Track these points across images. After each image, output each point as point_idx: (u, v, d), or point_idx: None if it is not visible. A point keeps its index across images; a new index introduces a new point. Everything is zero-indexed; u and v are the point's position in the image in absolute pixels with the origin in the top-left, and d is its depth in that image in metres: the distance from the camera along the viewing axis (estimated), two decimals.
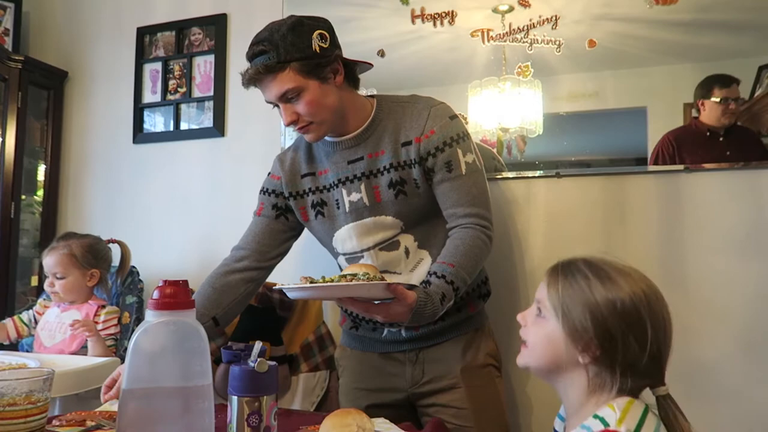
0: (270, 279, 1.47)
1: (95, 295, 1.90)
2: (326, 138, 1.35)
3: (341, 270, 1.45)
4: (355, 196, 1.34)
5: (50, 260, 1.83)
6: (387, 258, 1.35)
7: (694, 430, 0.87)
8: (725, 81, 1.55)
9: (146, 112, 2.26)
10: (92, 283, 1.87)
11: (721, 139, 1.55)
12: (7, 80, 2.17)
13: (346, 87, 1.32)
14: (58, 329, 1.80)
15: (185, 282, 0.92)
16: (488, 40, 1.75)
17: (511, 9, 1.73)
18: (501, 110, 1.73)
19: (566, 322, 0.88)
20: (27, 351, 1.84)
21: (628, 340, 0.85)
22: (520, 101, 1.72)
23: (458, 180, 1.28)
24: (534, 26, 1.71)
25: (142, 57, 2.26)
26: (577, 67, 1.67)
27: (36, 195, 2.36)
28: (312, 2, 1.90)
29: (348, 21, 1.88)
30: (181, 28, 2.21)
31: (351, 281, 1.05)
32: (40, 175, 2.36)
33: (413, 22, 1.83)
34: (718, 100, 1.56)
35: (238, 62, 2.07)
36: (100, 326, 1.80)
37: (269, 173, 1.48)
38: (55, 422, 1.13)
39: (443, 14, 1.80)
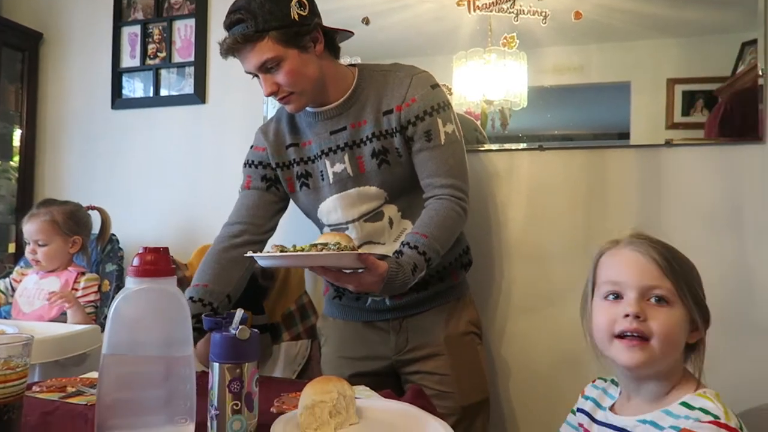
0: None
1: (75, 263, 1.89)
2: (308, 108, 1.34)
3: None
4: (338, 167, 1.33)
5: (31, 227, 1.80)
6: (371, 229, 1.35)
7: None
8: None
9: (125, 77, 2.20)
10: (74, 250, 1.85)
11: None
12: None
13: (327, 56, 1.30)
14: (37, 296, 1.79)
15: (166, 249, 0.92)
16: (474, 10, 1.73)
17: None
18: (486, 82, 1.72)
19: (692, 303, 0.87)
20: (5, 318, 1.82)
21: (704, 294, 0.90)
22: (505, 73, 1.71)
23: (436, 150, 1.28)
24: None
25: (120, 20, 2.20)
26: (562, 40, 1.66)
27: (12, 161, 2.31)
28: None
29: None
30: None
31: (322, 250, 1.04)
32: (16, 140, 2.31)
33: None
34: None
35: (219, 27, 1.98)
36: (79, 293, 1.79)
37: (252, 146, 1.46)
38: (35, 388, 1.13)
39: None
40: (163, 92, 2.14)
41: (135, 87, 2.19)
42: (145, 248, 0.90)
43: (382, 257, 1.13)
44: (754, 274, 1.51)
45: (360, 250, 1.34)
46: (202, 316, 0.94)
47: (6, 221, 2.28)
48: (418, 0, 1.78)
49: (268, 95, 1.26)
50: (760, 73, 1.49)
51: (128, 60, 2.19)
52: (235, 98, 2.02)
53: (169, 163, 2.12)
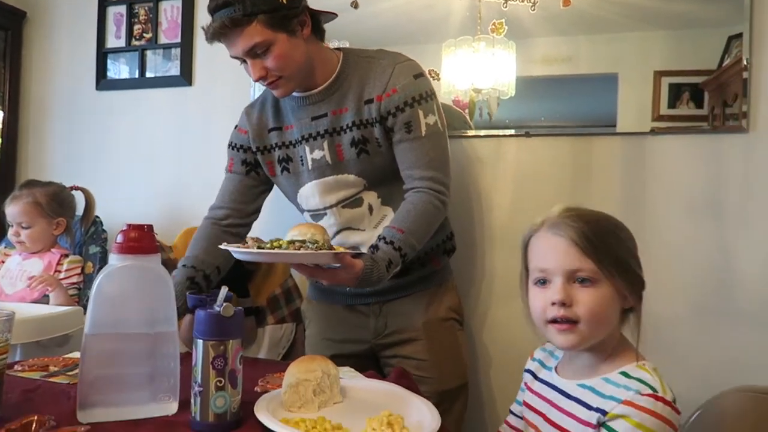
0: None
1: (59, 244, 1.87)
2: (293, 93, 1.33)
3: None
4: (317, 154, 1.32)
5: (14, 209, 1.78)
6: (350, 215, 1.35)
7: None
8: None
9: (110, 58, 2.17)
10: (58, 231, 1.84)
11: None
12: None
13: (313, 39, 1.29)
14: (20, 277, 1.77)
15: (150, 227, 0.91)
16: None
17: None
18: (474, 71, 1.73)
19: (622, 276, 0.89)
20: None
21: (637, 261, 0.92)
22: (493, 62, 1.71)
23: (417, 141, 1.26)
24: None
25: None
26: (551, 30, 1.67)
27: None
28: None
29: None
30: None
31: (299, 248, 1.03)
32: None
33: None
34: None
35: (206, 9, 1.99)
36: (62, 275, 1.77)
37: (236, 126, 1.45)
38: (17, 367, 1.13)
39: None
40: (149, 74, 2.12)
41: (120, 68, 2.16)
42: (129, 225, 0.90)
43: (358, 255, 1.13)
44: (733, 261, 1.53)
45: (337, 242, 1.36)
46: (187, 293, 0.93)
47: None
48: None
49: (257, 80, 1.24)
50: (745, 66, 1.51)
51: (113, 40, 2.16)
52: (221, 81, 2.00)
53: (155, 145, 2.10)
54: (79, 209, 1.93)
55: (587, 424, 0.86)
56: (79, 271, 1.81)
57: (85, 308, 1.62)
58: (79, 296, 1.78)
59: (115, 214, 1.98)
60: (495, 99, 1.72)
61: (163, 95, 2.09)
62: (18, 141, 2.28)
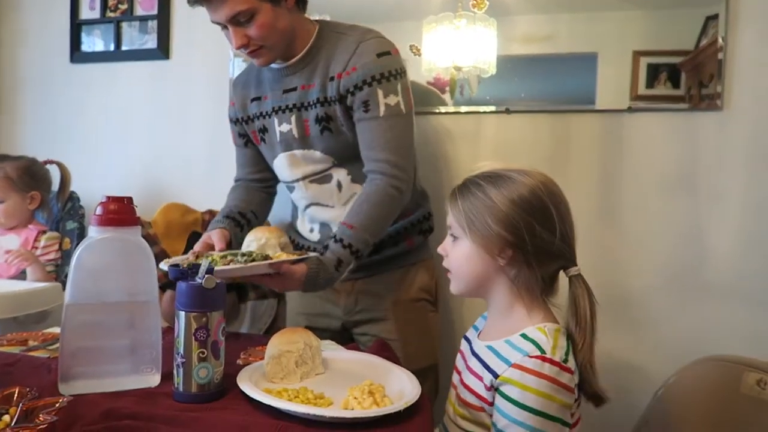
0: None
1: (36, 220, 1.84)
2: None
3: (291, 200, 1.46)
4: (285, 127, 1.33)
5: None
6: (317, 190, 1.35)
7: (599, 307, 0.94)
8: None
9: (84, 31, 2.11)
10: (33, 206, 1.81)
11: None
12: None
13: (296, 10, 1.28)
14: None
15: (130, 199, 0.91)
16: None
17: None
18: (455, 48, 1.72)
19: (475, 234, 0.92)
20: None
21: (535, 229, 0.90)
22: (474, 40, 1.70)
23: (374, 121, 1.23)
24: None
25: None
26: (532, 8, 1.67)
27: None
28: None
29: None
30: None
31: (230, 263, 1.03)
32: None
33: None
34: None
35: None
36: (39, 251, 1.75)
37: (230, 99, 1.47)
38: None
39: None
40: (125, 47, 2.07)
41: (95, 41, 2.11)
42: (108, 197, 0.89)
43: (300, 260, 1.12)
44: (706, 236, 1.57)
45: (308, 216, 1.36)
46: (168, 266, 0.93)
47: None
48: None
49: (238, 48, 1.23)
50: (720, 46, 1.53)
51: (87, 12, 2.09)
52: (199, 54, 1.97)
53: (132, 119, 2.06)
54: (55, 184, 1.90)
55: (486, 387, 0.90)
56: (56, 247, 1.79)
57: (63, 284, 1.61)
58: (57, 272, 1.76)
59: (92, 189, 1.95)
60: (476, 77, 1.72)
61: (139, 69, 2.04)
62: None
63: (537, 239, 0.89)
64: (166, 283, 1.46)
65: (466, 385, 0.96)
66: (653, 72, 1.60)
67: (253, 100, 1.39)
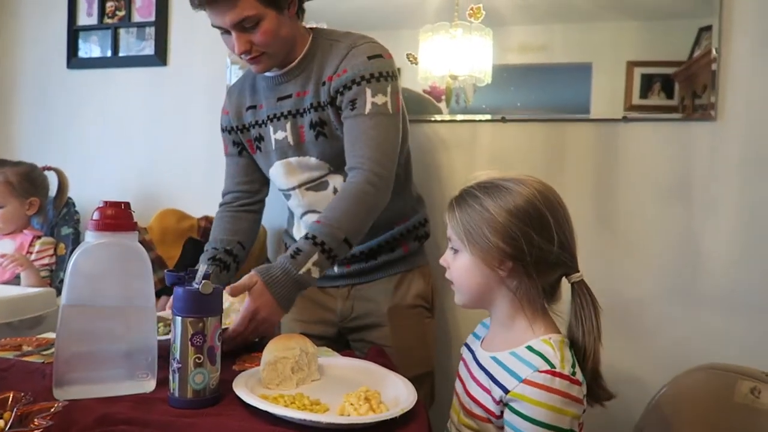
0: None
1: (32, 225, 1.84)
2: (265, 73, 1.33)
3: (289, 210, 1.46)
4: (280, 134, 1.33)
5: None
6: (314, 198, 1.35)
7: (602, 313, 0.94)
8: None
9: (81, 37, 2.12)
10: (32, 211, 1.81)
11: None
12: None
13: (294, 18, 1.29)
14: None
15: (127, 204, 0.91)
16: None
17: None
18: (451, 57, 1.73)
19: (474, 246, 0.92)
20: None
21: (534, 240, 0.89)
22: (470, 49, 1.71)
23: (359, 118, 1.22)
24: None
25: None
26: (527, 19, 1.68)
27: None
28: None
29: None
30: None
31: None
32: None
33: None
34: None
35: None
36: (33, 257, 1.75)
37: (222, 108, 1.46)
38: None
39: None
40: (122, 53, 2.07)
41: (91, 47, 2.11)
42: (105, 202, 0.89)
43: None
44: (700, 245, 1.58)
45: (303, 225, 1.36)
46: (165, 271, 0.93)
47: None
48: None
49: (240, 53, 1.23)
50: (714, 57, 1.55)
51: (85, 18, 2.10)
52: (197, 61, 1.98)
53: (128, 126, 2.06)
54: (52, 190, 1.90)
55: (495, 400, 0.89)
56: (51, 252, 1.78)
57: (57, 290, 1.61)
58: (51, 278, 1.76)
59: (88, 195, 1.95)
60: (471, 86, 1.73)
61: (136, 75, 2.05)
62: None
63: (535, 249, 0.89)
64: (161, 290, 1.46)
65: (471, 396, 0.95)
66: (647, 82, 1.61)
67: (248, 108, 1.39)
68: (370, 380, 0.96)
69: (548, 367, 0.85)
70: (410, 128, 1.42)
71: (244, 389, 0.87)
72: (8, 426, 0.69)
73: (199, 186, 1.96)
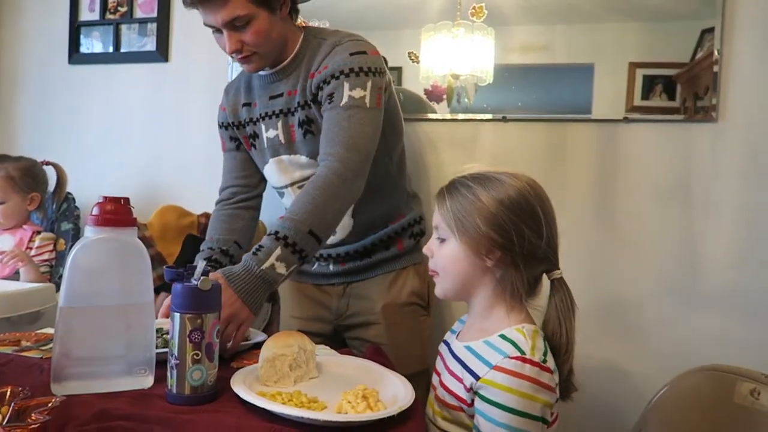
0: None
1: (31, 221, 1.84)
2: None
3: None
4: (271, 133, 1.33)
5: None
6: None
7: (580, 313, 0.94)
8: None
9: (83, 32, 2.11)
10: (32, 207, 1.81)
11: None
12: None
13: (287, 18, 1.29)
14: None
15: (127, 199, 0.91)
16: None
17: None
18: (453, 57, 1.73)
19: (463, 234, 0.92)
20: None
21: (524, 231, 0.90)
22: (472, 48, 1.72)
23: (334, 111, 1.20)
24: None
25: None
26: (530, 19, 1.68)
27: None
28: None
29: None
30: None
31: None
32: None
33: None
34: None
35: None
36: (33, 252, 1.75)
37: (220, 105, 1.47)
38: None
39: None
40: (124, 49, 2.07)
41: (93, 42, 2.11)
42: (105, 197, 0.89)
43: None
44: (700, 246, 1.58)
45: None
46: (164, 267, 0.93)
47: None
48: None
49: (232, 53, 1.23)
50: (715, 59, 1.54)
51: (87, 13, 2.10)
52: (198, 57, 1.97)
53: (130, 121, 2.07)
54: (50, 185, 1.90)
55: (466, 388, 0.90)
56: (51, 248, 1.79)
57: (57, 285, 1.61)
58: (51, 273, 1.76)
59: (88, 191, 1.95)
60: (473, 85, 1.73)
61: (138, 71, 2.05)
62: None
63: (525, 241, 0.90)
64: (161, 286, 1.46)
65: (445, 386, 0.95)
66: (649, 84, 1.61)
67: (243, 105, 1.40)
68: (369, 378, 0.96)
69: (518, 354, 0.85)
70: (411, 127, 1.42)
71: (242, 386, 0.87)
72: (5, 420, 0.69)
73: (200, 182, 1.95)
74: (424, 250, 1.01)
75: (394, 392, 0.91)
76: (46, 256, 1.76)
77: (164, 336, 1.06)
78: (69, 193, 1.90)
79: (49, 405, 0.71)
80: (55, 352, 0.86)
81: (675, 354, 1.55)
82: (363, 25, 1.74)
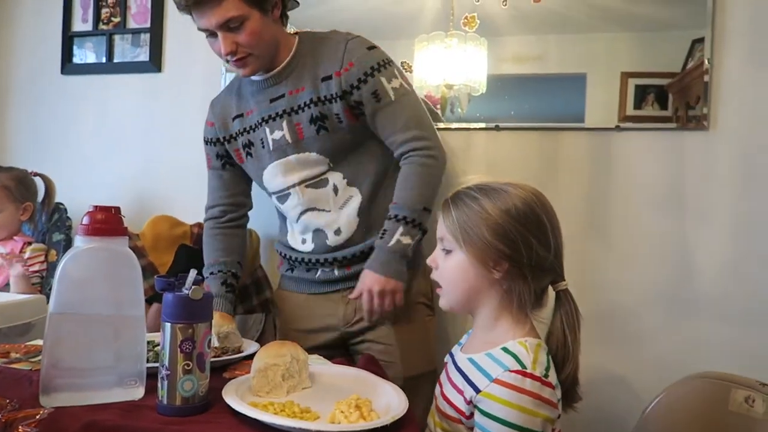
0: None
1: (22, 231, 1.83)
2: (252, 77, 1.35)
3: (281, 212, 1.45)
4: (277, 134, 1.34)
5: None
6: (314, 195, 1.36)
7: (586, 323, 0.94)
8: None
9: (76, 43, 2.11)
10: (25, 216, 1.80)
11: None
12: None
13: (278, 22, 1.32)
14: None
15: (117, 209, 0.90)
16: None
17: None
18: (446, 67, 1.74)
19: (470, 246, 0.91)
20: None
21: (531, 242, 0.89)
22: (465, 59, 1.72)
23: (389, 107, 1.29)
24: None
25: None
26: (522, 29, 1.69)
27: None
28: None
29: None
30: None
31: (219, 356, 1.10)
32: None
33: None
34: None
35: None
36: (23, 264, 1.72)
37: (206, 121, 1.47)
38: None
39: None
40: (117, 59, 2.07)
41: (86, 53, 2.11)
42: (96, 207, 0.89)
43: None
44: (693, 254, 1.58)
45: (302, 225, 1.38)
46: (155, 277, 0.92)
47: None
48: None
49: (227, 54, 1.25)
50: (706, 69, 1.56)
51: (80, 24, 2.10)
52: (192, 68, 1.98)
53: (122, 132, 2.06)
54: (39, 196, 1.89)
55: (466, 400, 0.89)
56: (42, 258, 1.77)
57: (48, 297, 1.59)
58: (42, 284, 1.74)
59: (81, 201, 1.93)
60: (466, 95, 1.74)
61: (131, 81, 2.04)
62: None
63: (533, 252, 0.89)
64: (153, 296, 1.45)
65: (445, 397, 0.95)
66: (641, 93, 1.62)
67: (234, 117, 1.41)
68: (362, 388, 0.95)
69: (519, 367, 0.85)
70: None
71: (234, 397, 0.86)
72: None
73: (193, 192, 1.94)
74: (429, 261, 1.00)
75: (388, 401, 0.91)
76: (37, 267, 1.75)
77: (155, 349, 1.06)
78: (61, 204, 1.89)
79: (37, 417, 0.70)
80: (44, 362, 0.85)
81: (669, 362, 1.54)
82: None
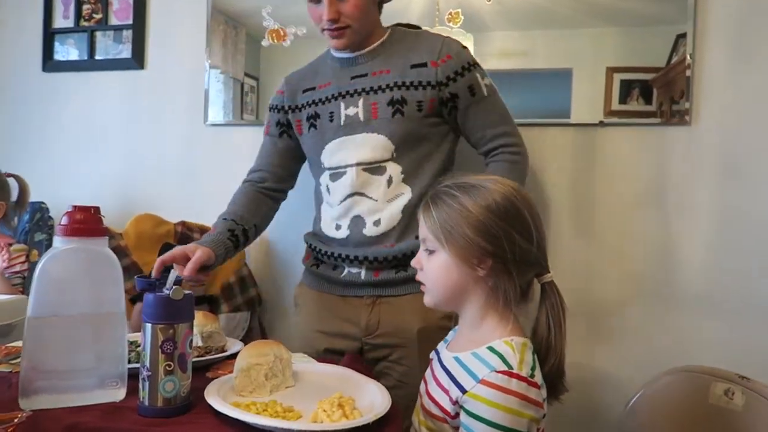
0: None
1: (1, 232, 1.80)
2: (336, 54, 1.38)
3: (322, 193, 1.43)
4: (351, 110, 1.35)
5: None
6: (367, 179, 1.32)
7: (571, 318, 0.94)
8: None
9: (57, 40, 2.09)
10: None
11: None
12: None
13: (378, 8, 1.37)
14: None
15: (97, 209, 0.89)
16: None
17: None
18: None
19: (452, 245, 0.90)
20: None
21: (513, 237, 0.89)
22: None
23: (483, 102, 1.34)
24: None
25: None
26: (508, 24, 1.69)
27: None
28: None
29: None
30: None
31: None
32: None
33: None
34: None
35: None
36: (5, 264, 1.71)
37: (276, 90, 1.50)
38: None
39: None
40: (99, 56, 2.04)
41: (68, 50, 2.08)
42: (75, 207, 0.88)
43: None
44: (676, 248, 1.59)
45: (343, 208, 1.34)
46: (135, 277, 0.91)
47: None
48: None
49: (329, 19, 1.27)
50: (688, 64, 1.57)
51: (61, 21, 2.07)
52: (174, 65, 1.95)
53: (105, 130, 2.03)
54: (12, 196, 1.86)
55: (452, 400, 0.89)
56: (23, 258, 1.75)
57: None
58: (24, 285, 1.72)
59: (63, 200, 1.90)
60: None
61: (113, 78, 2.02)
62: None
63: (516, 246, 0.89)
64: (136, 296, 1.44)
65: (431, 395, 0.94)
66: (626, 88, 1.62)
67: (305, 90, 1.43)
68: (346, 386, 0.95)
69: (505, 368, 0.84)
70: None
71: (216, 397, 0.86)
72: None
73: (176, 191, 1.93)
74: (413, 263, 0.99)
75: (371, 399, 0.90)
76: (18, 268, 1.73)
77: (137, 350, 1.05)
78: (43, 203, 1.87)
79: (15, 420, 0.69)
80: (23, 365, 0.84)
81: (652, 356, 1.56)
82: None
